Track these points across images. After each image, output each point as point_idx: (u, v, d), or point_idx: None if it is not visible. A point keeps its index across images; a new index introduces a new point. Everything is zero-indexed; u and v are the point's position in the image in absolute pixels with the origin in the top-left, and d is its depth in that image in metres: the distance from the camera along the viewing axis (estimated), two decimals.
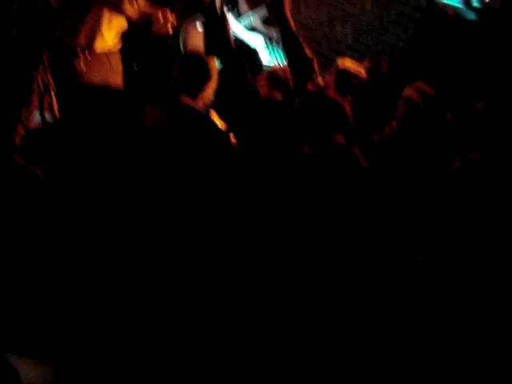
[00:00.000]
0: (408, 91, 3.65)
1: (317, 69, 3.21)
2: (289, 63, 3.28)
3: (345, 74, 3.74)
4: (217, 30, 2.92)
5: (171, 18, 4.51)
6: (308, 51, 3.20)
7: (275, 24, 3.31)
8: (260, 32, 5.50)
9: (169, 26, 4.52)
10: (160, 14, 4.44)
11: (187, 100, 3.59)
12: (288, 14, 3.19)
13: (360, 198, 2.45)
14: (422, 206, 2.56)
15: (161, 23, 4.47)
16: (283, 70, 3.69)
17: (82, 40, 4.28)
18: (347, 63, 3.92)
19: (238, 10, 5.35)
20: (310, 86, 3.05)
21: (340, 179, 2.44)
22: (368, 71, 3.97)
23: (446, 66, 4.43)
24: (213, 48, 3.02)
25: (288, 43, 3.24)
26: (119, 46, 4.55)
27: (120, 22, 4.41)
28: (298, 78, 3.14)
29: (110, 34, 4.39)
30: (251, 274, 2.39)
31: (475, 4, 4.63)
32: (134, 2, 4.24)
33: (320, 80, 3.38)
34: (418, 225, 2.52)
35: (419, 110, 3.46)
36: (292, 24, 3.20)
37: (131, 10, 4.26)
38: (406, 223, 2.52)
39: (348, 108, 3.16)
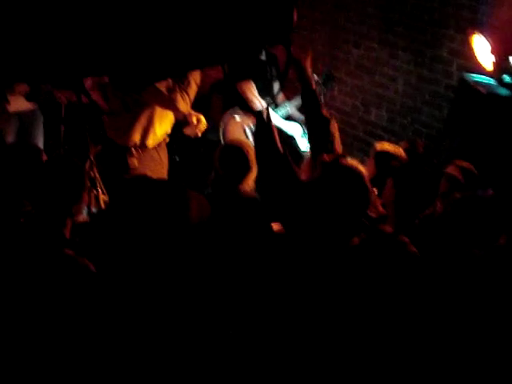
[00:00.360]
0: (449, 169, 3.66)
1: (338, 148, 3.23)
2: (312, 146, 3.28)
3: (384, 155, 3.79)
4: (265, 136, 3.01)
5: (203, 121, 4.61)
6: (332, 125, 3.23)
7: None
8: (296, 120, 5.64)
9: (200, 128, 4.63)
10: (194, 118, 4.56)
11: (227, 189, 3.64)
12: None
13: (410, 281, 2.44)
14: (472, 283, 2.53)
15: (194, 125, 4.58)
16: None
17: (136, 138, 4.38)
18: (385, 146, 3.96)
19: (274, 102, 5.52)
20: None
21: (390, 267, 2.44)
22: (406, 152, 4.01)
23: (483, 143, 4.43)
24: (261, 152, 3.09)
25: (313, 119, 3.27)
26: (167, 140, 4.69)
27: (170, 117, 4.54)
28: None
29: (161, 128, 4.51)
30: None
31: (507, 80, 4.67)
32: (186, 96, 4.34)
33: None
34: (469, 303, 2.49)
35: (461, 188, 3.45)
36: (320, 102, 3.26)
37: (183, 105, 4.36)
38: (457, 303, 2.49)
39: (391, 189, 3.18)
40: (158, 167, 4.59)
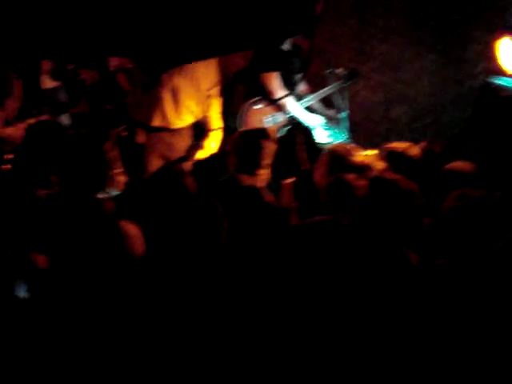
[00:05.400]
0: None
1: None
2: None
3: (396, 154, 3.76)
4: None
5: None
6: None
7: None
8: (318, 112, 5.63)
9: None
10: None
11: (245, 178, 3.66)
12: None
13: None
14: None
15: None
16: (344, 148, 3.77)
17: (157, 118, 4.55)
18: (395, 145, 3.93)
19: (297, 93, 5.52)
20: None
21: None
22: (424, 151, 3.99)
23: (501, 146, 4.42)
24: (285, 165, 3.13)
25: None
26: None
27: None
28: None
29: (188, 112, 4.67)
30: None
31: None
32: None
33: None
34: None
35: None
36: None
37: None
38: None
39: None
40: (175, 149, 4.67)
